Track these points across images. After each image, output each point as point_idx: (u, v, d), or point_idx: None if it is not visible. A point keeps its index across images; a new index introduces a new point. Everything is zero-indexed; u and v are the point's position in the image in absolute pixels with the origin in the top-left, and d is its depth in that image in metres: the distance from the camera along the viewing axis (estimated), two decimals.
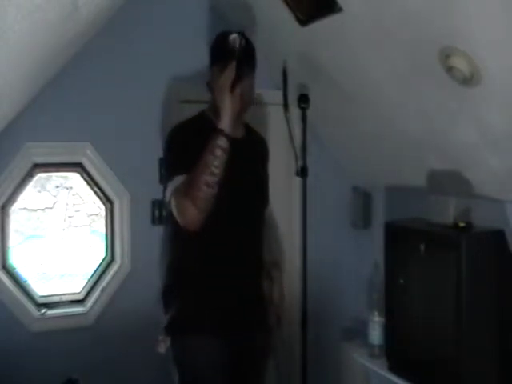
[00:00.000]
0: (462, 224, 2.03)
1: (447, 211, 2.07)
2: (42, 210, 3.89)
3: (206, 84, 1.84)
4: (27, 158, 2.40)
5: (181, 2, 2.60)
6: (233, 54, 1.70)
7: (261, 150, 2.00)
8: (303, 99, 2.23)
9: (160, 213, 2.55)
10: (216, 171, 1.61)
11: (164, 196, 1.75)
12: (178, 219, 1.65)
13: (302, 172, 2.23)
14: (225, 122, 1.65)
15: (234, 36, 1.74)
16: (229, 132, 1.64)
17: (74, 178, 3.13)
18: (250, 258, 1.86)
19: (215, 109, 1.73)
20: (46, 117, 2.40)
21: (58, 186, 3.88)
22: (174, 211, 1.66)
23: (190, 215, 1.61)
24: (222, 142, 1.63)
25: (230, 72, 1.66)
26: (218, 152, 1.62)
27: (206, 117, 1.84)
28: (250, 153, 1.87)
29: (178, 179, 1.66)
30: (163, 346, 1.79)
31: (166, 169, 1.76)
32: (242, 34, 1.76)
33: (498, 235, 1.98)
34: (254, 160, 1.93)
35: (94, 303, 2.53)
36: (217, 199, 1.64)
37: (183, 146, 1.73)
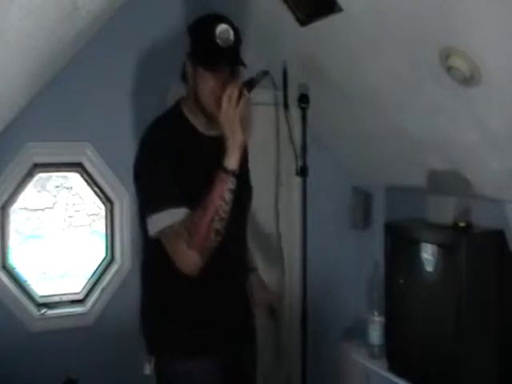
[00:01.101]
0: (461, 224, 2.03)
1: (447, 211, 2.07)
2: (42, 210, 3.88)
3: (181, 74, 1.62)
4: (27, 157, 2.40)
5: (181, 2, 2.61)
6: (225, 59, 1.49)
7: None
8: (303, 99, 2.24)
9: None
10: (226, 217, 1.44)
11: (144, 228, 1.54)
12: (175, 263, 1.47)
13: (302, 172, 2.23)
14: (233, 160, 1.46)
15: (224, 27, 1.52)
16: (237, 172, 1.46)
17: (74, 178, 3.12)
18: (236, 268, 1.71)
19: (194, 100, 1.56)
20: (46, 117, 2.40)
21: (57, 186, 3.88)
22: (170, 255, 1.48)
23: (194, 264, 1.45)
24: (232, 184, 1.46)
25: (233, 92, 1.47)
26: (228, 196, 1.44)
27: (182, 115, 1.64)
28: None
29: (174, 215, 1.44)
30: (148, 368, 1.68)
31: (151, 196, 1.53)
32: (230, 24, 1.54)
33: (498, 235, 1.98)
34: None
35: (94, 303, 2.53)
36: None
37: (170, 166, 1.49)
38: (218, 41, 1.51)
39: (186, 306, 1.62)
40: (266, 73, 1.57)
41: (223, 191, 1.44)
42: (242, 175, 1.62)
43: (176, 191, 1.48)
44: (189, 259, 1.45)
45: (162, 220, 1.47)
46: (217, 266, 1.53)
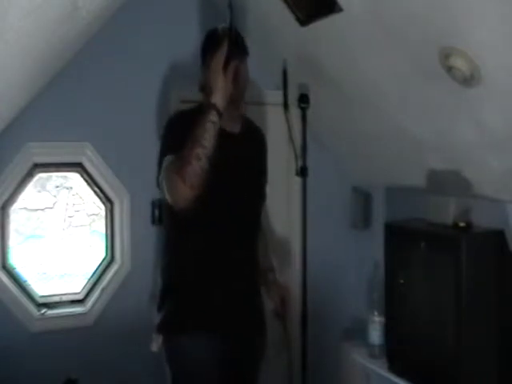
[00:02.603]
0: (461, 224, 2.03)
1: (447, 211, 2.07)
2: (42, 210, 3.88)
3: (199, 86, 1.82)
4: (27, 157, 2.40)
5: (181, 2, 2.61)
6: (223, 36, 1.70)
7: (259, 146, 1.97)
8: (303, 99, 2.24)
9: (160, 213, 2.54)
10: (206, 144, 1.58)
11: (158, 183, 1.72)
12: (169, 198, 1.62)
13: (302, 172, 2.23)
14: (216, 97, 1.63)
15: (222, 25, 1.75)
16: (220, 107, 1.62)
17: (74, 178, 3.13)
18: (247, 257, 1.84)
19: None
20: (46, 117, 2.40)
21: (58, 186, 3.88)
22: (165, 191, 1.63)
23: (180, 191, 1.57)
24: (213, 115, 1.61)
25: (221, 50, 1.66)
26: (208, 125, 1.60)
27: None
28: (247, 148, 1.85)
29: (168, 158, 1.65)
30: (155, 345, 1.77)
31: (160, 153, 1.73)
32: (231, 26, 1.74)
33: (498, 235, 1.98)
34: (252, 156, 1.89)
35: (94, 303, 2.53)
36: (214, 195, 1.61)
37: (177, 131, 1.71)
38: (221, 33, 1.74)
39: (196, 270, 1.76)
40: (230, 5, 1.71)
41: (203, 121, 1.60)
42: (253, 185, 1.87)
43: (175, 143, 1.65)
44: (177, 186, 1.58)
45: (163, 167, 1.66)
46: (224, 260, 1.75)
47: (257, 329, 1.88)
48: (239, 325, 1.79)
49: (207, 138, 1.59)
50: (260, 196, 1.92)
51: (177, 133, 1.70)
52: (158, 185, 1.72)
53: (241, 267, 1.81)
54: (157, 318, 1.80)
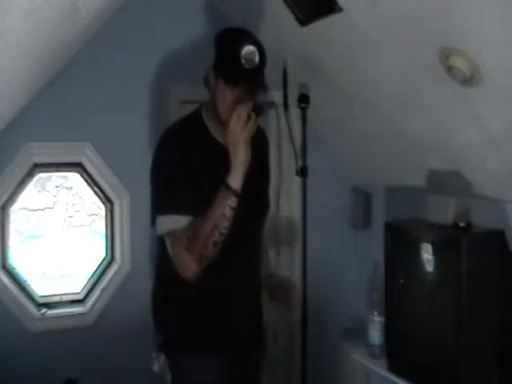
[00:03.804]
0: (461, 224, 2.03)
1: (447, 211, 2.07)
2: (42, 210, 3.89)
3: (204, 79, 1.65)
4: (27, 157, 2.40)
5: (181, 2, 2.60)
6: (246, 79, 1.53)
7: (262, 152, 1.83)
8: (303, 99, 2.24)
9: None
10: (225, 232, 1.50)
11: (154, 225, 1.60)
12: (175, 266, 1.54)
13: (302, 172, 2.23)
14: (237, 180, 1.51)
15: (250, 49, 1.53)
16: (240, 191, 1.51)
17: (74, 178, 3.13)
18: (248, 270, 1.74)
19: (214, 108, 1.61)
20: (46, 117, 2.40)
21: (58, 186, 3.88)
22: (172, 258, 1.55)
23: (191, 270, 1.51)
24: (233, 202, 1.50)
25: (243, 113, 1.51)
26: (229, 212, 1.49)
27: (201, 121, 1.68)
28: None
29: (179, 221, 1.52)
30: (156, 365, 1.71)
31: (162, 198, 1.59)
32: (258, 46, 1.56)
33: (498, 235, 1.98)
34: (256, 165, 1.69)
35: (94, 303, 2.53)
36: None
37: (184, 171, 1.55)
38: (243, 61, 1.53)
39: (192, 300, 1.66)
40: (272, 103, 1.71)
41: (224, 207, 1.49)
42: (255, 191, 1.67)
43: (186, 198, 1.53)
44: (186, 264, 1.51)
45: (167, 223, 1.54)
46: (224, 277, 1.63)
47: (258, 345, 1.83)
48: (241, 343, 1.72)
49: (226, 225, 1.50)
50: (263, 207, 1.84)
51: (179, 178, 1.55)
52: (152, 223, 1.60)
53: (243, 283, 1.72)
54: (157, 336, 1.73)
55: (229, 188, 1.50)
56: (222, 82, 1.57)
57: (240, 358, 1.73)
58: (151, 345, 1.77)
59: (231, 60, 1.54)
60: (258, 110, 1.57)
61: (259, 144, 1.82)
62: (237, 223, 1.56)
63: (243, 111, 1.52)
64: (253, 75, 1.55)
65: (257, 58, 1.54)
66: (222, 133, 1.60)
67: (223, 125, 1.59)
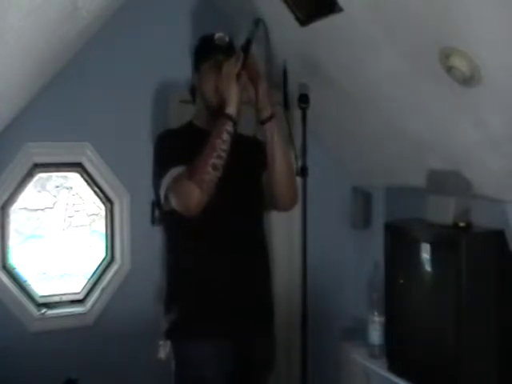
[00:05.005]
0: (461, 224, 2.03)
1: (447, 211, 2.07)
2: (42, 210, 3.88)
3: (190, 89, 1.90)
4: (27, 157, 2.40)
5: (181, 2, 2.61)
6: (221, 50, 1.76)
7: (256, 148, 1.91)
8: (303, 99, 2.24)
9: (160, 213, 2.54)
10: (223, 154, 1.62)
11: (157, 195, 1.74)
12: (179, 205, 1.64)
13: (302, 172, 2.23)
14: (232, 107, 1.67)
15: (221, 35, 1.80)
16: (235, 118, 1.66)
17: (74, 178, 3.13)
18: (255, 259, 1.82)
19: (207, 109, 1.80)
20: (46, 117, 2.40)
21: (58, 186, 3.88)
22: (175, 199, 1.65)
23: (195, 197, 1.60)
24: (230, 126, 1.65)
25: (236, 59, 1.68)
26: (225, 136, 1.63)
27: (195, 126, 1.87)
28: (245, 151, 1.84)
29: (175, 170, 1.66)
30: (163, 352, 1.75)
31: (159, 165, 1.75)
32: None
33: (498, 235, 1.98)
34: (251, 157, 1.88)
35: (94, 303, 2.53)
36: (216, 198, 1.62)
37: (175, 145, 1.75)
38: (216, 42, 1.81)
39: (201, 272, 1.74)
40: (257, 22, 1.73)
41: (221, 131, 1.64)
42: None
43: (177, 157, 1.69)
44: (189, 192, 1.60)
45: (167, 179, 1.67)
46: (226, 241, 1.75)
47: (265, 330, 1.85)
48: (247, 328, 1.76)
49: (224, 148, 1.63)
50: (262, 195, 1.89)
51: (173, 148, 1.75)
52: (157, 204, 1.75)
53: (248, 270, 1.78)
54: (164, 324, 1.78)
55: (225, 115, 1.66)
56: (204, 67, 1.81)
57: (246, 345, 1.76)
58: (155, 335, 1.80)
59: (206, 44, 1.85)
60: (247, 45, 1.70)
61: (258, 145, 1.92)
62: (241, 212, 1.76)
63: (229, 63, 1.70)
64: (226, 48, 1.80)
65: (227, 39, 1.81)
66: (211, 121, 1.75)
67: (211, 112, 1.78)
